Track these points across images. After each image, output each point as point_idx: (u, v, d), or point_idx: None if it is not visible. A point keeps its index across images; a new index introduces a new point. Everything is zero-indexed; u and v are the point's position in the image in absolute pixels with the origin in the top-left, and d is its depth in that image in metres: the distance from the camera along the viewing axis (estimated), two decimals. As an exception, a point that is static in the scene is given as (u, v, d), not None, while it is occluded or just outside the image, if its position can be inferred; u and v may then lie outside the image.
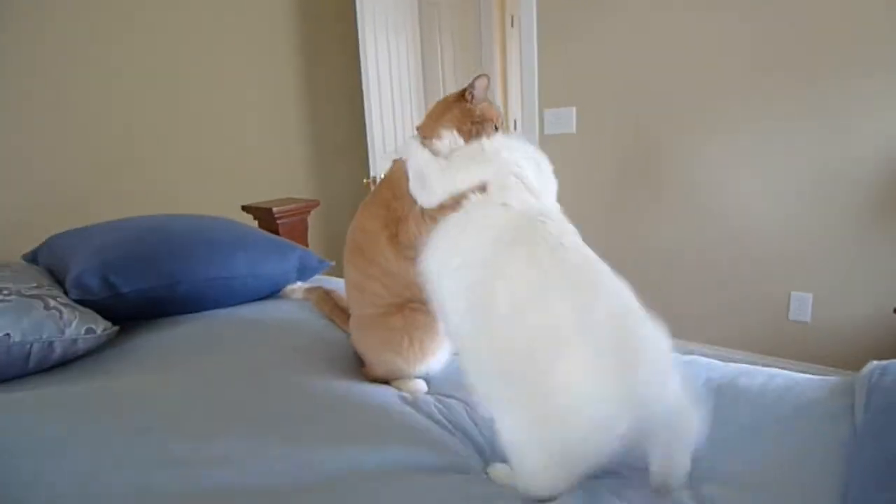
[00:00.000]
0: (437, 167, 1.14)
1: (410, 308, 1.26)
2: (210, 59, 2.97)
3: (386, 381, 1.31)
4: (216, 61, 2.99)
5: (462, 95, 1.26)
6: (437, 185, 1.12)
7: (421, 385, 1.31)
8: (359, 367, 1.37)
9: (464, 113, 1.24)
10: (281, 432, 1.04)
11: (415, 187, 1.17)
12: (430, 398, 1.24)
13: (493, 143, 1.14)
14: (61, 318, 1.33)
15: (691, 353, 1.36)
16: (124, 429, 1.03)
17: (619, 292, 0.91)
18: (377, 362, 1.32)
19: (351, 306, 1.40)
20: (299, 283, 1.85)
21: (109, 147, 2.60)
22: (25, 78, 2.31)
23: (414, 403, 1.20)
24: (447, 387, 1.28)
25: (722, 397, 1.07)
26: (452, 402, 1.22)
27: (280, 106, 3.39)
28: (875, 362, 1.10)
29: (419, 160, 1.16)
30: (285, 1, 3.33)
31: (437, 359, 1.31)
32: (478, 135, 1.20)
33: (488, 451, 1.07)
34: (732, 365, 1.30)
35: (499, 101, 4.99)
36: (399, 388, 1.29)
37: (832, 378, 1.18)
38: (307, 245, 2.35)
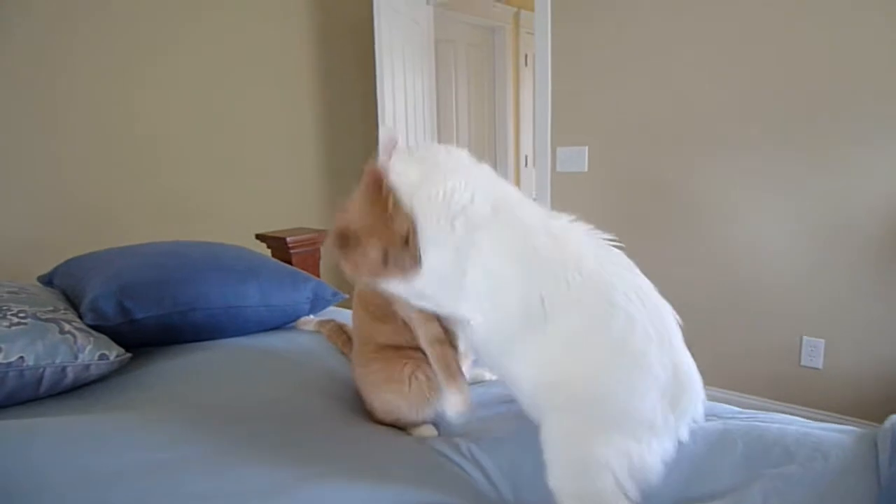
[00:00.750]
0: None
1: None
2: (233, 88, 3.02)
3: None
4: (239, 91, 3.04)
5: None
6: None
7: (430, 430, 1.25)
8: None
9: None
10: (294, 468, 1.03)
11: None
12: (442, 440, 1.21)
13: None
14: (75, 342, 1.33)
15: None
16: (136, 461, 1.02)
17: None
18: (377, 402, 1.26)
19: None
20: (311, 316, 1.84)
21: (128, 168, 2.64)
22: (47, 95, 2.36)
23: (426, 442, 1.19)
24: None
25: (741, 436, 1.05)
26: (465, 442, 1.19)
27: (298, 136, 3.43)
28: (897, 415, 1.08)
29: None
30: (307, 35, 3.40)
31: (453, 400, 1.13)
32: None
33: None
34: (747, 411, 1.28)
35: (510, 137, 5.04)
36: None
37: (851, 428, 1.16)
38: (319, 276, 2.35)
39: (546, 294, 0.93)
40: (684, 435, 0.92)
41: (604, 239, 1.02)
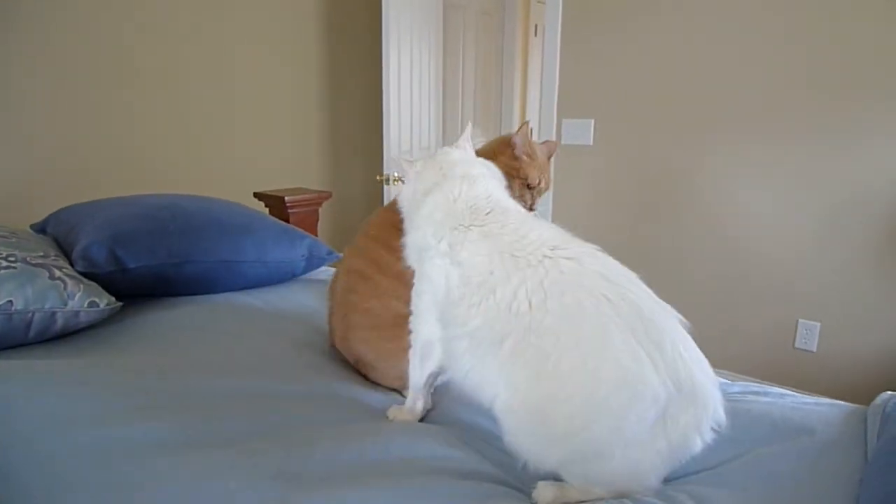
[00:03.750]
0: None
1: None
2: (234, 46, 2.97)
3: (394, 389, 1.27)
4: (240, 49, 3.00)
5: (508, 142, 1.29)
6: None
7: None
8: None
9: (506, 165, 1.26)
10: (278, 421, 1.02)
11: None
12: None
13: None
14: (65, 288, 1.31)
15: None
16: (123, 409, 1.01)
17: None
18: (392, 368, 1.25)
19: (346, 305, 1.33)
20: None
21: (127, 120, 2.61)
22: (44, 41, 2.32)
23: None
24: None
25: (729, 412, 1.04)
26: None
27: (300, 97, 3.39)
28: (889, 393, 1.07)
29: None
30: (311, -6, 3.34)
31: None
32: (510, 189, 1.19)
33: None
34: (740, 383, 1.28)
35: (517, 109, 4.98)
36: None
37: (842, 403, 1.15)
38: (317, 236, 2.34)
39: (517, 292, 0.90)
40: (695, 444, 0.88)
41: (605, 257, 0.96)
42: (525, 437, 0.90)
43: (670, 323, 0.89)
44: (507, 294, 0.90)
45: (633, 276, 0.93)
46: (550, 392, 0.86)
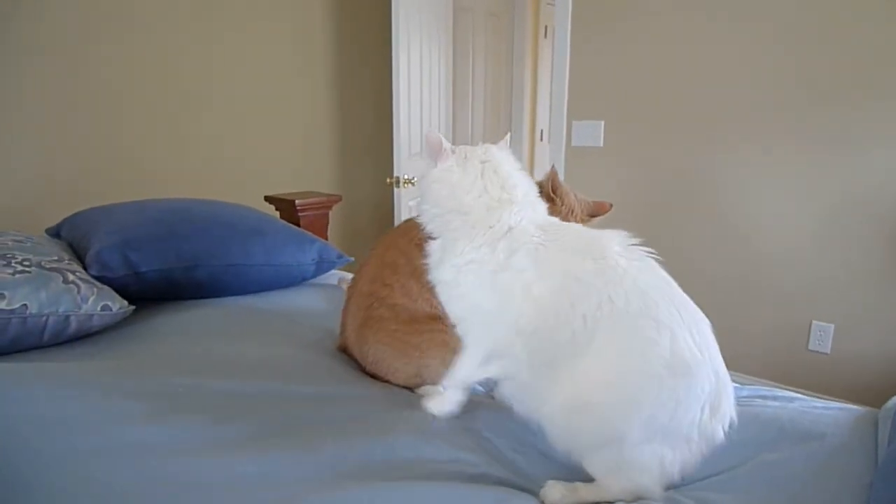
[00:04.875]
0: None
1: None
2: (244, 49, 2.99)
3: (405, 386, 1.28)
4: (250, 51, 3.02)
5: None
6: None
7: (438, 391, 1.25)
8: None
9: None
10: (287, 422, 1.03)
11: None
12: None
13: None
14: (79, 292, 1.33)
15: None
16: (133, 411, 1.03)
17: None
18: (414, 366, 1.26)
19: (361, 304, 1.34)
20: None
21: (140, 126, 2.63)
22: (62, 60, 2.35)
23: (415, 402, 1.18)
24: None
25: (738, 416, 1.04)
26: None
27: (310, 101, 3.40)
28: (900, 396, 1.07)
29: None
30: (322, -2, 3.36)
31: None
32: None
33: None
34: (749, 387, 1.27)
35: (527, 110, 4.98)
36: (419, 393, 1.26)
37: (853, 406, 1.14)
38: (327, 239, 2.35)
39: (589, 314, 0.91)
40: (720, 437, 0.92)
41: (640, 248, 0.99)
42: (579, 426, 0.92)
43: (705, 322, 0.94)
44: (584, 301, 0.92)
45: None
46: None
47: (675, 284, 0.97)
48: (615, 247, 0.97)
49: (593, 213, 1.38)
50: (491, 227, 1.01)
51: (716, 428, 0.91)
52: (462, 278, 1.02)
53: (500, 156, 1.09)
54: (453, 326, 1.10)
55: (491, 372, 1.07)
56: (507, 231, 1.01)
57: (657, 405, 0.87)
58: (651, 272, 0.96)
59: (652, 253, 0.98)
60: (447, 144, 1.08)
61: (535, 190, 1.11)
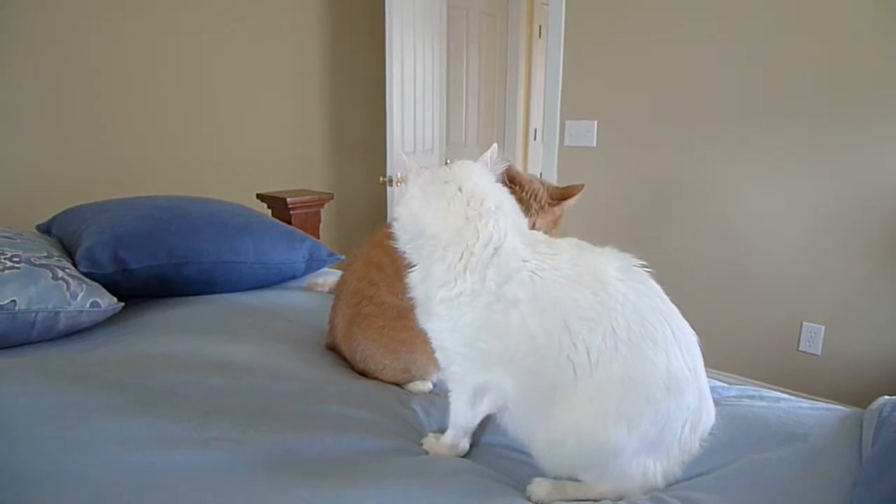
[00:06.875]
0: None
1: None
2: (236, 45, 2.98)
3: (394, 383, 1.29)
4: (243, 50, 3.01)
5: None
6: None
7: (427, 385, 1.30)
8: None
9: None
10: (272, 419, 1.03)
11: None
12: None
13: None
14: (68, 289, 1.33)
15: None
16: (122, 405, 1.02)
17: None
18: (403, 362, 1.27)
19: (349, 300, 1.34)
20: (331, 278, 1.78)
21: (131, 122, 2.62)
22: (50, 43, 2.34)
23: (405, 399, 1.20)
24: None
25: (724, 417, 1.05)
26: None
27: (303, 99, 3.40)
28: (886, 397, 1.07)
29: None
30: (316, -5, 3.35)
31: None
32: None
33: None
34: (737, 387, 1.28)
35: (520, 110, 4.98)
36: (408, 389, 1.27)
37: (839, 407, 1.15)
38: (318, 238, 2.35)
39: (593, 348, 0.89)
40: (696, 450, 0.97)
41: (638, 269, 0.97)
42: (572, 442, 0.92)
43: (693, 337, 0.96)
44: (577, 330, 0.90)
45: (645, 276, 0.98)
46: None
47: (666, 299, 0.96)
48: (613, 272, 0.94)
49: (563, 197, 1.32)
50: (468, 247, 0.94)
51: (693, 442, 0.96)
52: (455, 313, 0.95)
53: (465, 172, 1.01)
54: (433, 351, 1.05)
55: (483, 411, 1.02)
56: (493, 254, 0.94)
57: (653, 423, 0.89)
58: (647, 291, 0.95)
59: (646, 267, 0.97)
60: (413, 166, 1.05)
61: (509, 200, 1.03)
